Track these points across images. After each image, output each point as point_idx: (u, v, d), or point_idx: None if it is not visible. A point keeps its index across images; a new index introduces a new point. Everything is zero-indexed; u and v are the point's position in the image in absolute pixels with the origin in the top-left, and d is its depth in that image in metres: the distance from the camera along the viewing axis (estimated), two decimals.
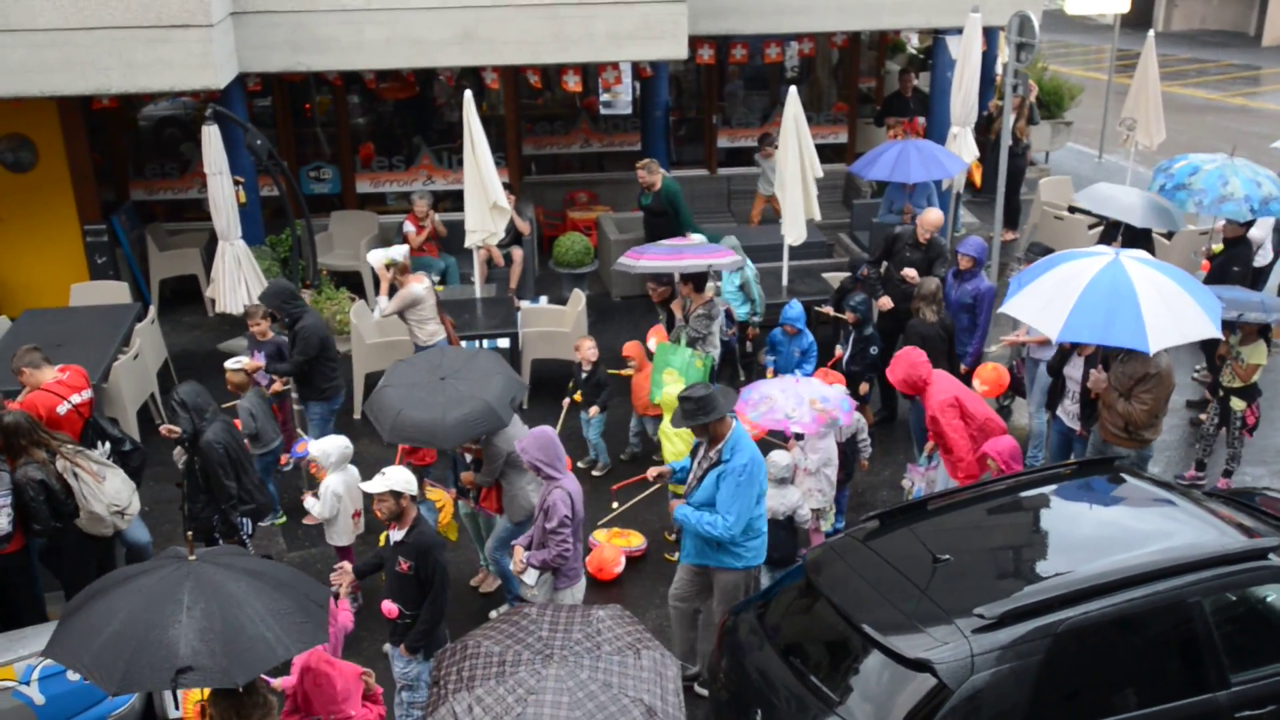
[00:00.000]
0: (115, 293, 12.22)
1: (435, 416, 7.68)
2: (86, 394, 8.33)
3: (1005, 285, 9.96)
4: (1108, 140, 19.75)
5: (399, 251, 10.44)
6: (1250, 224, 11.18)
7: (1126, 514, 7.02)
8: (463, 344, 10.65)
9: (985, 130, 15.48)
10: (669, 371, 9.68)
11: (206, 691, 5.36)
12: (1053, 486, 7.25)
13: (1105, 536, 6.68)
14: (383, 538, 7.15)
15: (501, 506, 8.11)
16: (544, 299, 13.01)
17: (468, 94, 11.21)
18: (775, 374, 10.19)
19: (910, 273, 10.74)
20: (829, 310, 11.08)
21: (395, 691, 7.07)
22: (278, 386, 9.78)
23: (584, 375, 10.23)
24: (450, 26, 12.38)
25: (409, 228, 13.28)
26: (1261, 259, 12.06)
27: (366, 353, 11.40)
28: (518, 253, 13.28)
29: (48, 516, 7.45)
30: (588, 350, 10.20)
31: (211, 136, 10.97)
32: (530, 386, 11.18)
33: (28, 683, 6.69)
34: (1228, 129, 21.78)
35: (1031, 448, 10.13)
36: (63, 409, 8.07)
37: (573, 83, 14.35)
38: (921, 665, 5.72)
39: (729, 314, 10.93)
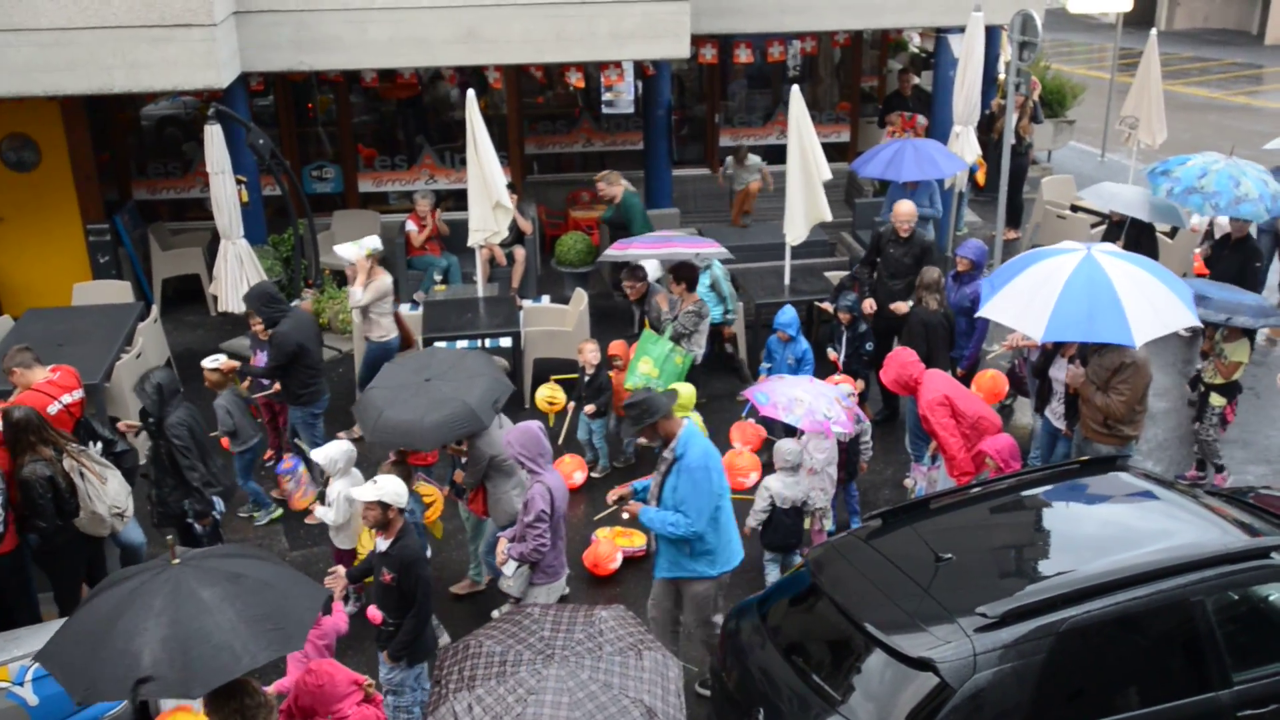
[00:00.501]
0: (118, 292, 12.23)
1: (414, 418, 7.73)
2: (77, 394, 8.33)
3: None
4: (1110, 139, 19.75)
5: (374, 241, 10.61)
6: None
7: (1128, 513, 7.02)
8: (442, 344, 10.75)
9: (988, 129, 15.48)
10: (645, 360, 9.76)
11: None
12: (1055, 485, 7.25)
13: (1107, 535, 6.68)
14: (367, 535, 7.14)
15: (487, 509, 8.12)
16: (546, 298, 13.01)
17: (471, 93, 11.22)
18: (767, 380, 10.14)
19: (899, 307, 10.66)
20: (828, 306, 11.14)
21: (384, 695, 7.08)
22: (276, 388, 9.82)
23: (586, 379, 10.24)
24: (453, 25, 12.39)
25: (411, 226, 13.29)
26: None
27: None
28: (520, 252, 13.29)
29: (54, 514, 7.45)
30: (590, 353, 10.22)
31: (214, 136, 10.98)
32: (534, 385, 11.19)
33: (21, 683, 6.66)
34: (1230, 128, 21.76)
35: (1035, 447, 10.13)
36: (53, 409, 8.04)
37: (575, 78, 14.37)
38: (924, 664, 5.72)
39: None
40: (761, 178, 15.12)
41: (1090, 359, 8.43)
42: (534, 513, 7.03)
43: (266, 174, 12.93)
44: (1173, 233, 13.31)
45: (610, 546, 9.08)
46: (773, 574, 8.52)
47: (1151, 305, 7.82)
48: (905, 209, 11.00)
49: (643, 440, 7.32)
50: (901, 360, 8.63)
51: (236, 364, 9.55)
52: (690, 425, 7.16)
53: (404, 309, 12.61)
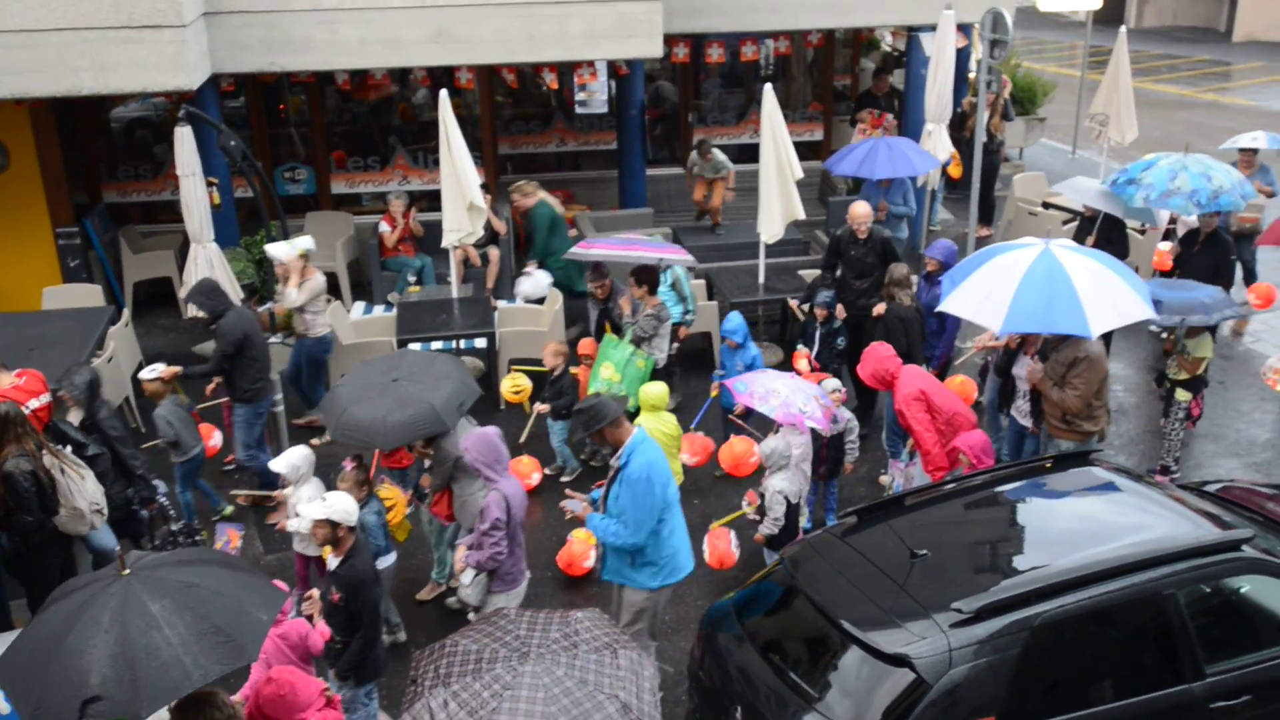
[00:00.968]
0: (88, 296, 12.13)
1: (378, 417, 7.73)
2: (45, 398, 8.24)
3: None
4: (1081, 136, 19.88)
5: (307, 241, 10.66)
6: (1215, 215, 11.28)
7: (1102, 507, 7.06)
8: (417, 345, 10.78)
9: (960, 127, 15.56)
10: (606, 365, 9.75)
11: None
12: (1028, 481, 7.29)
13: (1081, 530, 6.73)
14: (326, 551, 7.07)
15: (453, 513, 8.08)
16: (521, 298, 12.98)
17: (443, 93, 11.19)
18: (720, 389, 9.95)
19: (877, 309, 10.54)
20: (795, 304, 11.19)
21: None
22: (210, 388, 9.80)
23: (550, 379, 10.23)
24: (425, 26, 12.35)
25: (384, 228, 13.25)
26: None
27: (344, 354, 11.35)
28: (494, 252, 13.26)
29: (39, 508, 7.41)
30: (553, 354, 10.20)
31: (184, 138, 10.89)
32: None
33: None
34: (1199, 124, 21.95)
35: (1004, 447, 10.19)
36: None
37: (549, 79, 14.35)
38: (900, 660, 5.75)
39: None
40: (726, 179, 14.71)
41: (1049, 355, 8.50)
42: (490, 520, 6.96)
43: (238, 176, 12.86)
44: (1143, 229, 13.41)
45: (583, 546, 9.07)
46: None
47: (1109, 298, 7.90)
48: (861, 210, 11.02)
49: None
50: (879, 355, 8.65)
51: (177, 370, 9.44)
52: (640, 434, 7.09)
53: (378, 310, 12.60)
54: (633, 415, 9.56)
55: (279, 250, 10.56)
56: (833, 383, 9.17)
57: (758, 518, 8.70)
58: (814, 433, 8.94)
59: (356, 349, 11.34)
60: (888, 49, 18.64)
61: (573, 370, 10.35)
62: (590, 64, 14.40)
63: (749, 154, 14.98)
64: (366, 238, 13.83)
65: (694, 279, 11.96)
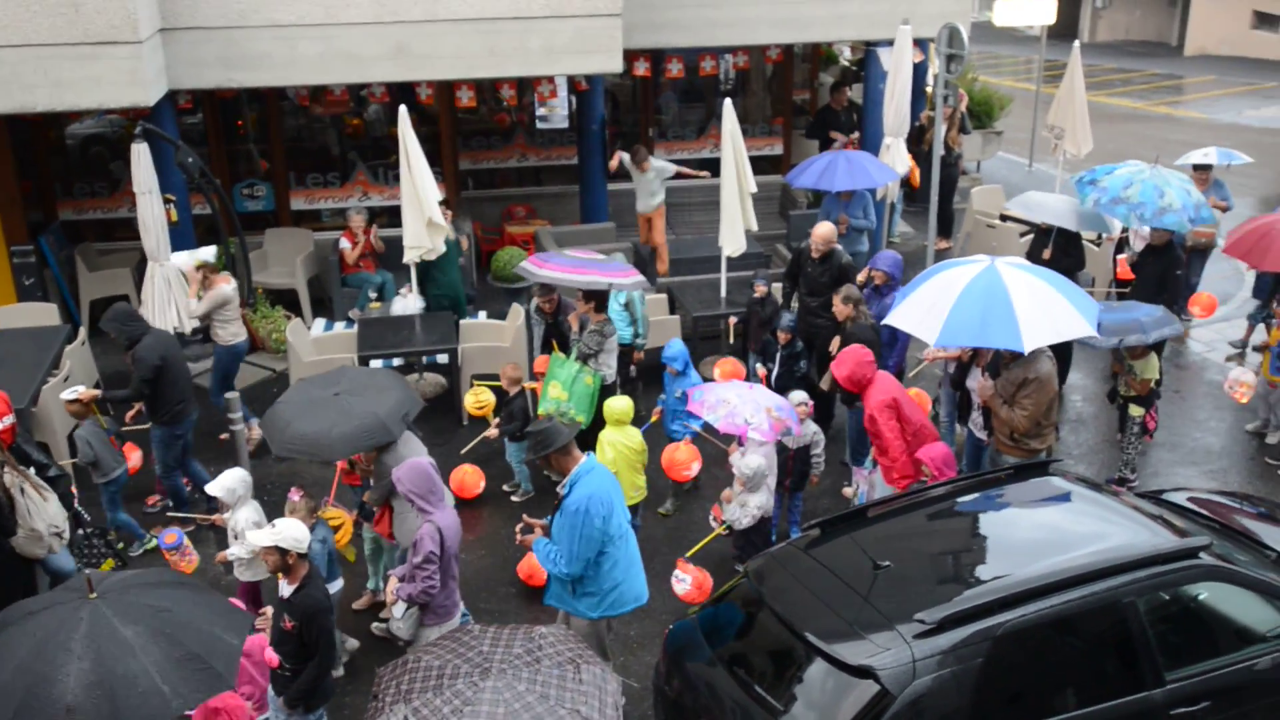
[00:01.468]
0: (44, 314, 11.99)
1: (322, 429, 7.71)
2: (8, 420, 8.14)
3: None
4: (1037, 149, 20.12)
5: (208, 252, 10.69)
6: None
7: (1062, 517, 7.13)
8: (376, 362, 10.70)
9: (918, 140, 15.69)
10: (554, 384, 9.74)
11: None
12: (989, 491, 7.34)
13: (1042, 539, 6.78)
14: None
15: (393, 531, 8.02)
16: (483, 314, 12.96)
17: (403, 109, 11.15)
18: (663, 414, 10.00)
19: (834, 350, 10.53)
20: (733, 321, 11.30)
21: None
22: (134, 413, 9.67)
23: (504, 400, 10.21)
24: (384, 42, 12.31)
25: (345, 244, 13.18)
26: None
27: (304, 370, 11.26)
28: None
29: None
30: (508, 379, 10.18)
31: (141, 155, 10.78)
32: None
33: None
34: (1152, 137, 22.26)
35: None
36: None
37: (508, 96, 14.33)
38: (864, 672, 5.76)
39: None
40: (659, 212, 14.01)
41: (1001, 373, 8.58)
42: (422, 554, 6.80)
43: (196, 193, 12.76)
44: (1099, 240, 13.58)
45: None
46: None
47: (1046, 314, 7.99)
48: (823, 231, 11.00)
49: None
50: (858, 356, 8.64)
51: (97, 393, 9.33)
52: (587, 464, 7.05)
53: (339, 327, 12.52)
54: (591, 431, 9.62)
55: (179, 259, 10.59)
56: (799, 395, 9.21)
57: (728, 533, 8.73)
58: (780, 446, 8.99)
59: (318, 366, 11.24)
60: (846, 63, 18.80)
61: (529, 385, 10.32)
62: (550, 80, 14.42)
63: (708, 169, 15.02)
64: (327, 254, 13.75)
65: (655, 292, 11.95)
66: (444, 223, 11.63)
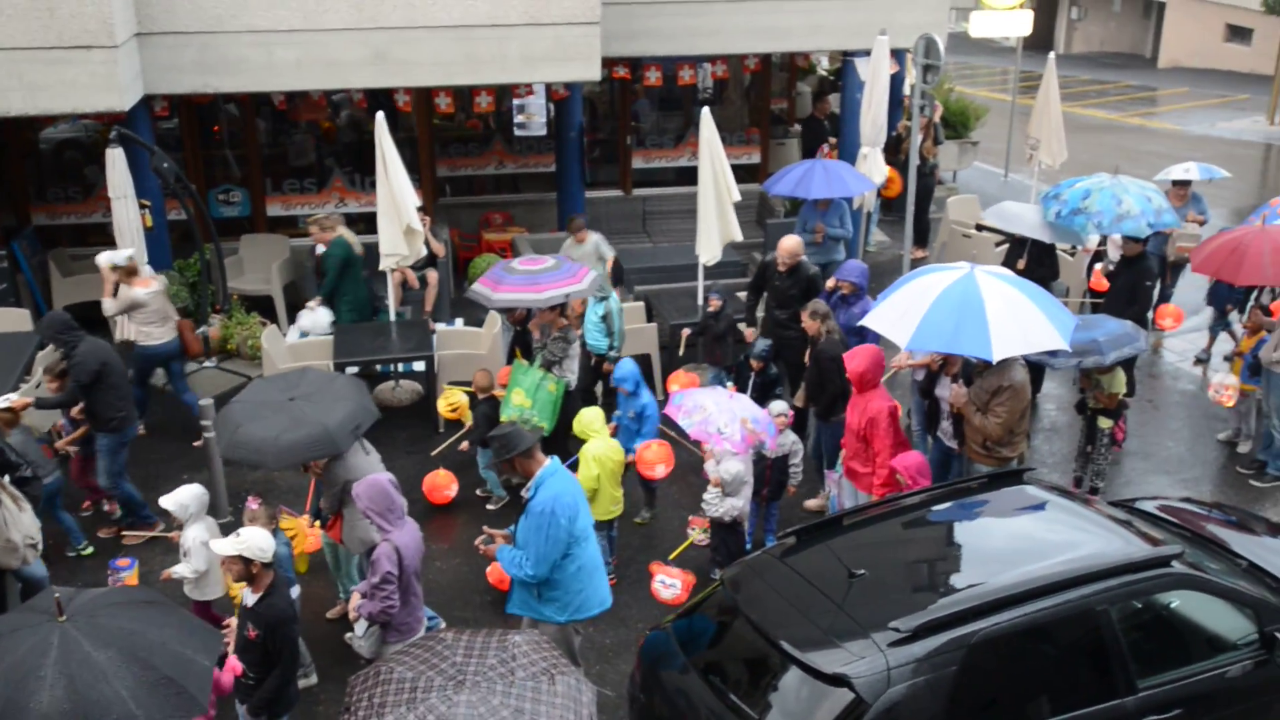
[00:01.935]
0: (16, 320, 11.87)
1: (270, 435, 7.62)
2: None
3: None
4: (1013, 159, 20.24)
5: (123, 255, 10.59)
6: (1147, 240, 11.49)
7: (1035, 525, 7.16)
8: (354, 370, 10.57)
9: (895, 150, 15.76)
10: (517, 391, 9.72)
11: None
12: (963, 500, 7.37)
13: (1015, 548, 6.82)
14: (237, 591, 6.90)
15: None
16: (460, 321, 12.93)
17: (380, 115, 11.13)
18: (618, 430, 9.74)
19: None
20: (686, 333, 11.32)
21: None
22: (78, 434, 9.57)
23: (477, 404, 10.19)
24: (362, 48, 12.29)
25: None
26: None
27: None
28: (433, 275, 13.18)
29: None
30: (479, 383, 10.15)
31: (116, 159, 10.74)
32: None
33: None
34: (1127, 148, 22.44)
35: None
36: None
37: (485, 103, 14.32)
38: (839, 680, 5.77)
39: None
40: (603, 267, 12.75)
41: (974, 381, 8.62)
42: (380, 574, 6.71)
43: (171, 198, 12.69)
44: (1073, 251, 13.67)
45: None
46: None
47: (1019, 324, 8.01)
48: (789, 245, 10.92)
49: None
50: (874, 355, 8.69)
51: (29, 400, 9.17)
52: (550, 467, 7.02)
53: (315, 334, 12.44)
54: (553, 439, 9.62)
55: (100, 259, 10.57)
56: (780, 405, 9.23)
57: (706, 542, 8.73)
58: (758, 455, 9.00)
59: None
60: (824, 73, 18.88)
61: (499, 392, 10.29)
62: (529, 87, 14.42)
63: (687, 177, 15.07)
64: (303, 260, 13.69)
65: (633, 300, 11.91)
66: (422, 229, 11.60)
